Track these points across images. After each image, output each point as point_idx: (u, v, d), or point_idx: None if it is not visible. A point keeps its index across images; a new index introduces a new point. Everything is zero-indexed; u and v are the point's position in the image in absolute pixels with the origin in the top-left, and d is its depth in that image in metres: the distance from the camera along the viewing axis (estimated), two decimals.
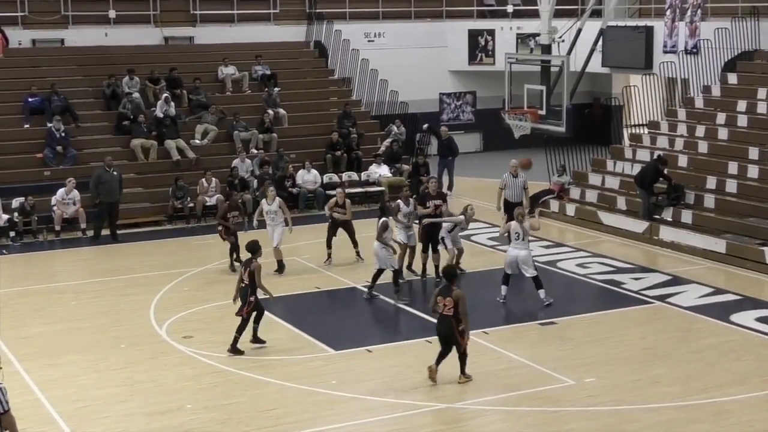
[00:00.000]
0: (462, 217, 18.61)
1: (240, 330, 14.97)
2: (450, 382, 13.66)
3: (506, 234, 17.63)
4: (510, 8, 32.85)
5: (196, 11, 30.49)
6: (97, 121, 26.62)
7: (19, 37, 28.22)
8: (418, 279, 18.85)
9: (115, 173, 23.06)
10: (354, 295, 18.35)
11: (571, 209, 23.95)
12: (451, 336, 13.47)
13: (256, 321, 15.15)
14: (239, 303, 15.10)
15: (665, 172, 22.05)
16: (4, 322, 16.49)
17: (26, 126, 25.68)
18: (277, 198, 19.58)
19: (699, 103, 25.45)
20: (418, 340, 15.56)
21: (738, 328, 16.04)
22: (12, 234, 22.63)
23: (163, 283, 18.95)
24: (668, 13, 27.56)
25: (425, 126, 28.88)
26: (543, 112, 22.14)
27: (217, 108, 27.28)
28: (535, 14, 26.03)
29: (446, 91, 33.60)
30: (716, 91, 25.32)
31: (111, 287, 18.99)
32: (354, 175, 26.74)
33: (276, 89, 28.44)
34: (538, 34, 25.65)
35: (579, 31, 24.41)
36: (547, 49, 23.78)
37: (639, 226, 22.03)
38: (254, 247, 15.21)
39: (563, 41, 23.66)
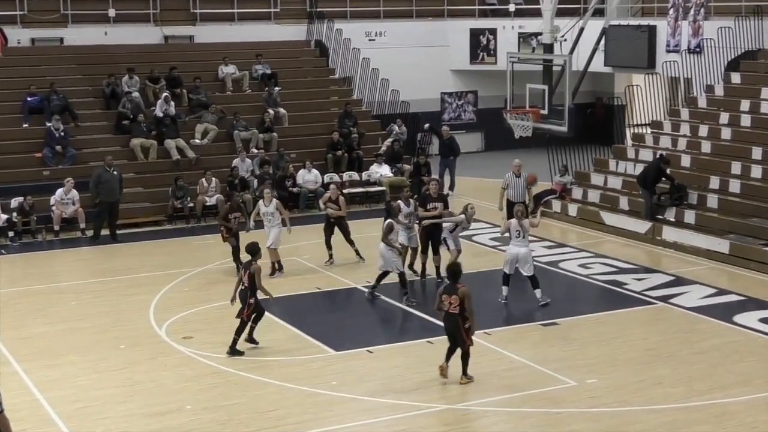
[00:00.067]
0: (462, 216, 18.54)
1: (239, 332, 14.93)
2: (452, 382, 13.61)
3: (506, 234, 17.55)
4: (512, 7, 32.77)
5: (196, 10, 30.44)
6: (97, 120, 26.56)
7: (19, 36, 28.14)
8: (418, 279, 18.73)
9: (115, 173, 22.99)
10: (354, 295, 18.29)
11: (573, 209, 23.87)
12: (457, 334, 13.45)
13: (255, 321, 15.11)
14: (237, 305, 15.04)
15: (668, 171, 21.96)
16: (3, 323, 16.44)
17: (25, 125, 25.62)
18: (275, 200, 19.49)
19: (702, 102, 25.38)
20: (419, 340, 15.56)
21: (741, 329, 15.99)
22: (11, 234, 22.57)
23: (162, 283, 18.88)
24: (671, 12, 27.49)
25: (426, 125, 28.80)
26: (545, 112, 22.11)
27: (217, 107, 27.21)
28: (537, 13, 25.99)
29: (448, 91, 33.53)
30: (719, 91, 25.26)
31: (110, 287, 18.94)
32: (355, 175, 26.67)
33: (276, 88, 28.37)
34: (540, 33, 25.62)
35: (581, 30, 24.39)
36: (549, 48, 23.75)
37: (641, 226, 21.95)
38: (254, 249, 15.17)
39: (565, 40, 23.63)
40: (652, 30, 28.20)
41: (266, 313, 15.37)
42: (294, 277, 19.13)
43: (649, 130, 25.94)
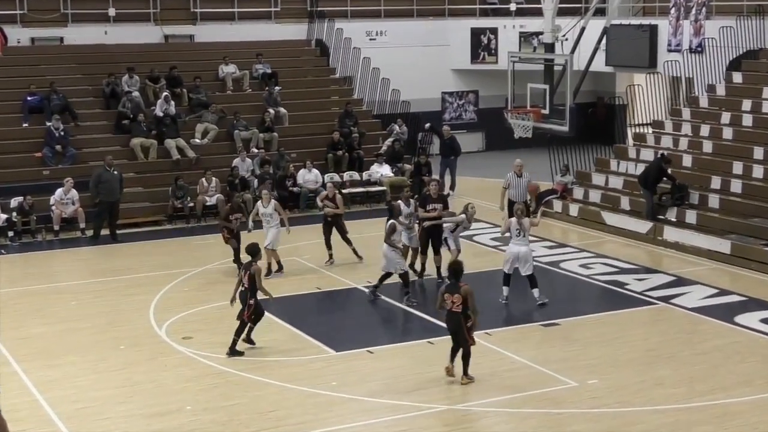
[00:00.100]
0: (463, 216, 18.49)
1: (239, 332, 14.91)
2: (453, 383, 13.59)
3: (507, 233, 17.51)
4: (513, 6, 32.73)
5: (197, 9, 30.39)
6: (97, 120, 26.51)
7: (18, 36, 28.08)
8: (417, 280, 18.67)
9: (115, 173, 22.94)
10: (355, 295, 18.25)
11: (574, 209, 23.83)
12: (459, 332, 13.45)
13: (254, 322, 15.06)
14: (237, 306, 15.00)
15: (669, 171, 21.92)
16: (2, 323, 16.38)
17: (25, 125, 25.56)
18: (273, 201, 19.43)
19: (703, 102, 25.33)
20: (419, 341, 15.53)
21: (743, 329, 15.96)
22: (11, 234, 22.52)
23: (162, 283, 18.84)
24: (673, 11, 27.44)
25: (427, 125, 28.73)
26: (546, 112, 22.04)
27: (218, 107, 27.16)
28: (538, 12, 25.94)
29: (448, 90, 33.48)
30: (721, 90, 25.21)
31: (110, 287, 18.90)
32: (355, 175, 26.62)
33: (277, 88, 28.33)
34: (541, 33, 25.53)
35: (583, 29, 24.33)
36: (550, 47, 23.69)
37: (643, 226, 21.90)
38: (254, 250, 15.15)
39: (567, 40, 23.58)
40: (653, 29, 28.14)
41: (266, 313, 15.33)
42: (294, 277, 19.09)
43: (650, 130, 25.90)
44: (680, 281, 18.76)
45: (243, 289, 14.85)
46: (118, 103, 26.32)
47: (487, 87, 32.76)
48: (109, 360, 14.89)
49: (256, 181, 25.00)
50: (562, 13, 24.85)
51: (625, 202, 23.10)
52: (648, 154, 24.02)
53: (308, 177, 25.45)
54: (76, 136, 25.42)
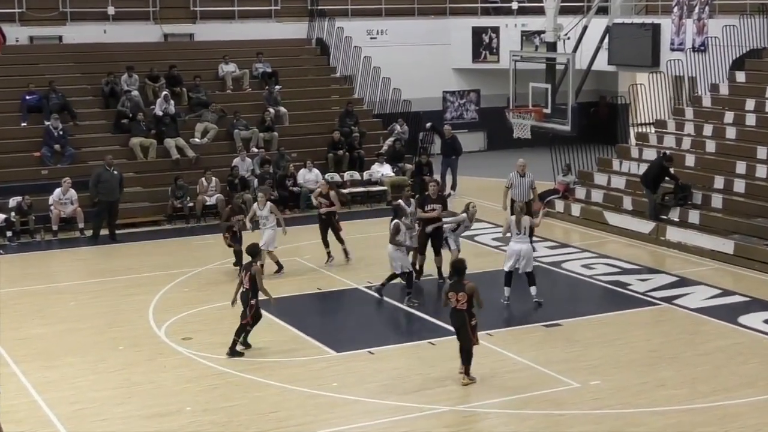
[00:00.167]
0: (464, 215, 18.44)
1: (239, 333, 14.85)
2: (454, 384, 13.52)
3: (508, 234, 17.43)
4: (515, 5, 32.65)
5: (196, 8, 30.32)
6: (96, 119, 26.45)
7: (17, 34, 27.93)
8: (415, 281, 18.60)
9: (115, 172, 22.87)
10: (356, 296, 18.18)
11: (576, 209, 23.76)
12: (462, 330, 13.42)
13: (251, 324, 14.96)
14: (238, 307, 14.92)
15: (671, 170, 21.83)
16: (1, 323, 16.29)
17: (24, 124, 25.51)
18: (269, 203, 19.35)
19: (706, 101, 25.26)
20: (420, 341, 15.48)
21: (746, 330, 15.90)
22: (9, 234, 22.44)
23: (162, 283, 18.78)
24: (675, 10, 27.38)
25: (428, 125, 28.65)
26: (548, 111, 21.94)
27: (218, 106, 27.09)
28: (540, 11, 25.90)
29: (450, 90, 33.42)
30: (724, 90, 25.14)
31: (109, 288, 18.84)
32: (356, 175, 26.55)
33: (277, 87, 28.26)
34: (543, 32, 25.48)
35: (585, 28, 24.27)
36: (552, 46, 23.60)
37: (645, 226, 21.83)
38: (254, 251, 15.14)
39: (569, 39, 23.50)
40: (656, 28, 28.06)
41: (267, 314, 15.31)
42: (295, 278, 19.03)
43: (653, 130, 25.84)
44: (683, 282, 18.70)
45: (244, 289, 14.78)
46: (118, 102, 26.25)
47: (489, 86, 32.70)
48: (108, 361, 14.82)
49: (256, 180, 24.92)
50: (564, 11, 24.79)
51: (627, 202, 23.03)
52: (650, 154, 23.94)
53: (309, 177, 25.37)
54: (75, 135, 25.37)
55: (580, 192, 24.39)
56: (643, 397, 13.17)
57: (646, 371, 14.08)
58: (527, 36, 31.43)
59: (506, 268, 17.22)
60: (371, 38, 31.65)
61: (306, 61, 30.80)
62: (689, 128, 24.54)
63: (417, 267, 18.60)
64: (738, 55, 25.58)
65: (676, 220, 21.65)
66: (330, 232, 19.86)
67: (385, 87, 30.41)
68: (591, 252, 20.97)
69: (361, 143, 27.38)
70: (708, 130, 24.05)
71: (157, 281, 18.92)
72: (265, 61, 29.27)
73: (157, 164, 25.43)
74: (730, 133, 23.52)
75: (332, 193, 19.92)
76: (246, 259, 15.49)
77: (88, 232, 22.71)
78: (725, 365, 14.32)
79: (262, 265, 18.76)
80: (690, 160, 23.21)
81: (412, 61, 31.42)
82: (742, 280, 18.70)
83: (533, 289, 17.07)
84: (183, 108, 27.08)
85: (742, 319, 16.31)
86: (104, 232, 22.60)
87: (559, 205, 24.17)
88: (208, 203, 24.19)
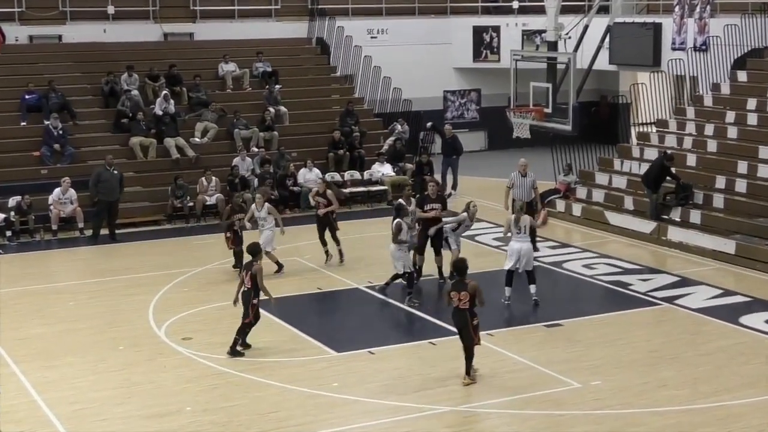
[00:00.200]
0: (465, 214, 18.41)
1: (240, 332, 14.79)
2: (454, 384, 13.49)
3: (509, 234, 17.40)
4: (515, 4, 32.62)
5: (196, 7, 30.30)
6: (96, 118, 26.42)
7: (17, 34, 27.90)
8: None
9: (115, 172, 22.83)
10: (356, 296, 18.15)
11: (577, 209, 23.72)
12: (464, 329, 13.38)
13: (250, 325, 14.92)
14: (238, 306, 14.88)
15: (672, 170, 21.79)
16: (1, 323, 16.29)
17: (23, 124, 25.48)
18: (266, 204, 19.32)
19: (708, 101, 25.22)
20: (421, 341, 15.45)
21: (747, 330, 15.86)
22: (9, 233, 22.41)
23: (162, 283, 18.74)
24: (677, 9, 27.32)
25: (429, 124, 28.62)
26: (549, 110, 21.87)
27: (218, 106, 27.05)
28: (541, 10, 25.85)
29: (450, 89, 33.39)
30: (726, 89, 25.10)
31: (109, 288, 18.80)
32: (356, 174, 26.51)
33: (277, 86, 28.23)
34: (544, 31, 25.45)
35: (586, 27, 24.20)
36: (553, 46, 23.52)
37: (646, 226, 21.79)
38: (255, 250, 15.08)
39: (570, 38, 23.41)
40: (657, 27, 28.02)
41: (267, 314, 15.29)
42: (295, 278, 18.99)
43: (654, 129, 25.81)
44: (684, 282, 18.66)
45: (246, 289, 14.74)
46: (117, 101, 26.22)
47: (490, 85, 32.66)
48: (108, 361, 14.79)
49: (256, 180, 24.89)
50: (565, 11, 24.71)
51: (628, 202, 22.99)
52: (652, 154, 23.89)
53: (309, 176, 25.32)
54: (74, 134, 25.34)
55: (581, 192, 24.35)
56: (645, 397, 13.13)
57: (647, 371, 14.05)
58: (528, 35, 31.39)
59: (507, 267, 17.19)
60: (372, 37, 31.62)
61: (306, 61, 30.77)
62: (690, 128, 24.51)
63: (416, 267, 18.59)
64: (739, 55, 25.52)
65: (678, 220, 21.61)
66: (327, 231, 19.83)
67: (386, 86, 30.38)
68: (592, 252, 20.93)
69: (362, 143, 27.35)
70: (709, 129, 24.01)
71: (156, 281, 18.88)
72: (266, 60, 29.24)
73: (157, 164, 25.40)
74: (732, 132, 23.48)
75: (329, 191, 19.88)
76: (246, 258, 15.45)
77: (88, 232, 22.68)
78: (727, 365, 14.29)
79: (275, 263, 18.86)
80: (691, 160, 23.17)
81: (413, 61, 31.39)
82: (744, 280, 18.67)
83: (532, 288, 17.05)
84: (183, 107, 27.05)
85: (744, 320, 16.27)
86: (104, 231, 22.57)
87: (560, 205, 24.14)
88: (208, 203, 24.15)
